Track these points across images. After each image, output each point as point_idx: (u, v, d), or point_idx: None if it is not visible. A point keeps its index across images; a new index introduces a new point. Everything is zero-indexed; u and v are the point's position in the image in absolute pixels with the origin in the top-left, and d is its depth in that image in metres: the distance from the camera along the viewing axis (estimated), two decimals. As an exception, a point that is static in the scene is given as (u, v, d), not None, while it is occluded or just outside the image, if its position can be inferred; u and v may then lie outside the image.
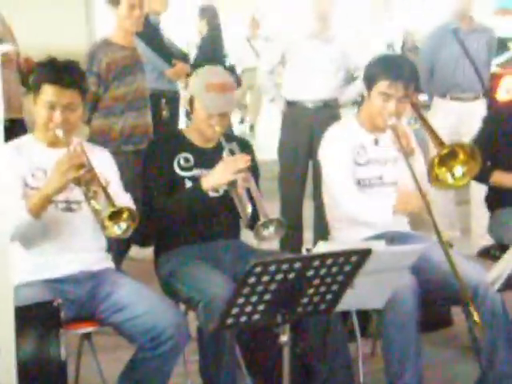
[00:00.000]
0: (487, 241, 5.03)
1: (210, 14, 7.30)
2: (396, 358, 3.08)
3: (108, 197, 2.71)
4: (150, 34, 5.34)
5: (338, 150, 3.40)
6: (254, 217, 3.02)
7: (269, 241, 3.03)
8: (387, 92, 3.29)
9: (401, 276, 2.70)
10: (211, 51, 7.15)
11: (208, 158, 3.28)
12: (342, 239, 3.43)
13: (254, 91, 10.79)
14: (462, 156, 3.09)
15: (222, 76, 3.31)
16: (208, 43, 7.25)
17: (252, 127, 11.29)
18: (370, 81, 3.37)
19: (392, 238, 3.32)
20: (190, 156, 3.29)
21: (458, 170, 3.12)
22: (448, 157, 3.09)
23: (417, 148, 3.39)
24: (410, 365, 3.07)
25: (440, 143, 3.10)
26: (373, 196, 3.39)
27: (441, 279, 3.17)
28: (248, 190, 3.07)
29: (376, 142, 3.45)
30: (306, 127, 4.84)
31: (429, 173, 3.09)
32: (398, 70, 3.30)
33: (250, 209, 3.05)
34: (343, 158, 3.38)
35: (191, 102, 3.29)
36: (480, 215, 5.15)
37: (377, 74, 3.34)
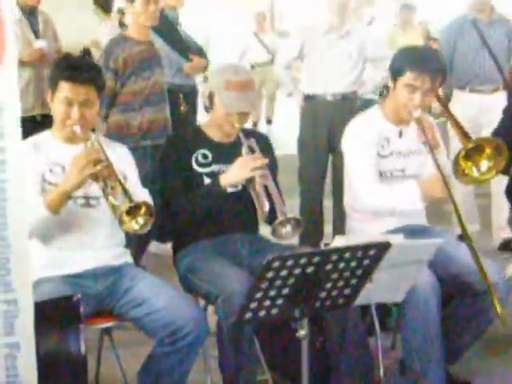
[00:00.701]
0: (508, 233, 5.01)
1: None
2: (417, 357, 3.06)
3: (125, 192, 2.71)
4: (167, 29, 5.33)
5: (361, 142, 3.37)
6: (272, 214, 3.02)
7: (286, 239, 3.03)
8: (413, 84, 3.25)
9: (419, 270, 2.69)
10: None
11: (226, 153, 3.27)
12: (361, 232, 3.42)
13: (268, 86, 10.79)
14: (488, 150, 3.05)
15: (242, 74, 3.26)
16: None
17: (269, 121, 11.29)
18: (395, 72, 3.33)
19: (412, 232, 3.31)
20: (208, 152, 3.28)
21: (484, 164, 3.08)
22: (474, 151, 3.05)
23: (441, 141, 3.36)
24: (434, 365, 3.05)
25: (466, 138, 3.05)
26: (394, 187, 3.37)
27: (457, 272, 3.15)
28: (266, 187, 3.07)
29: (400, 134, 3.41)
30: (325, 121, 4.84)
31: (454, 167, 3.06)
32: (424, 62, 3.27)
33: (267, 206, 3.05)
34: (366, 150, 3.35)
35: (211, 97, 3.27)
36: (500, 208, 5.13)
37: (403, 65, 3.29)
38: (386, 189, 3.34)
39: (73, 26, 6.86)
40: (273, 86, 10.61)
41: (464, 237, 2.98)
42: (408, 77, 3.26)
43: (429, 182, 3.25)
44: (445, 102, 3.46)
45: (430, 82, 3.25)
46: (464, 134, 3.08)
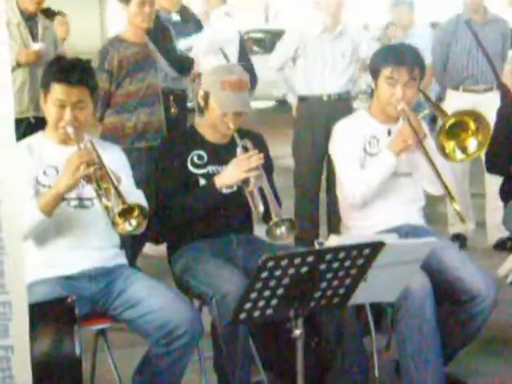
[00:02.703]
0: (502, 233, 5.02)
1: None
2: (413, 362, 3.05)
3: (119, 194, 2.71)
4: (158, 33, 5.33)
5: (347, 142, 3.42)
6: (267, 215, 3.02)
7: (281, 240, 3.03)
8: (391, 77, 3.33)
9: (413, 270, 2.69)
10: None
11: (221, 154, 3.28)
12: (355, 232, 3.42)
13: None
14: (472, 125, 3.14)
15: (237, 74, 3.26)
16: None
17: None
18: (374, 71, 3.43)
19: (407, 233, 3.32)
20: (203, 153, 3.29)
21: (473, 142, 3.15)
22: (458, 129, 3.14)
23: (428, 134, 3.39)
24: (432, 368, 3.04)
25: (445, 113, 3.20)
26: (387, 186, 3.38)
27: (443, 279, 3.17)
28: (261, 188, 3.07)
29: (389, 132, 3.44)
30: (321, 121, 4.83)
31: (439, 147, 3.13)
32: (399, 56, 3.37)
33: (261, 207, 3.05)
34: (352, 149, 3.38)
35: (206, 97, 3.28)
36: (495, 207, 5.13)
37: (380, 62, 3.40)
38: (363, 171, 3.36)
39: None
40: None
41: (450, 198, 3.07)
42: (386, 71, 3.35)
43: (396, 133, 3.31)
44: (426, 93, 3.58)
45: (408, 74, 3.33)
46: (442, 111, 3.24)
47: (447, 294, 3.19)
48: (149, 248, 4.87)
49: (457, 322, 3.19)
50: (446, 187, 3.12)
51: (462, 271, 3.15)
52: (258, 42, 14.19)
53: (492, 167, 4.03)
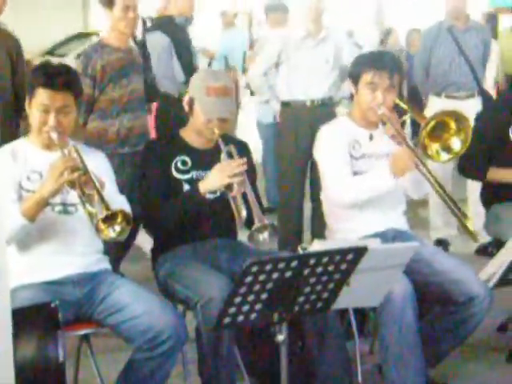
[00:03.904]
0: (484, 238, 5.05)
1: None
2: (395, 368, 3.08)
3: (102, 200, 2.71)
4: (176, 37, 5.39)
5: (333, 144, 3.44)
6: (250, 220, 3.03)
7: (263, 245, 3.04)
8: (373, 81, 3.37)
9: (395, 277, 2.71)
10: None
11: (205, 159, 3.28)
12: (341, 236, 3.44)
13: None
14: (452, 125, 3.18)
15: (223, 80, 3.27)
16: None
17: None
18: (355, 77, 3.45)
19: (393, 237, 3.34)
20: (187, 158, 3.29)
21: (456, 141, 3.19)
22: (440, 131, 3.18)
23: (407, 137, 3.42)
24: (413, 374, 3.06)
25: (423, 117, 3.25)
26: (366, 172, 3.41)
27: (437, 281, 3.19)
28: (244, 194, 3.08)
29: (371, 137, 3.47)
30: (305, 126, 4.84)
31: (422, 147, 3.17)
32: (379, 61, 3.41)
33: (245, 213, 3.06)
34: (339, 150, 3.41)
35: (190, 103, 3.28)
36: (476, 213, 5.16)
37: (360, 68, 3.43)
38: (361, 178, 3.38)
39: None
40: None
41: (461, 216, 3.10)
42: (366, 77, 3.39)
43: (393, 156, 3.29)
44: (403, 98, 3.63)
45: (388, 79, 3.37)
46: (423, 116, 3.29)
47: (441, 297, 3.21)
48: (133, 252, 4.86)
49: (450, 324, 3.21)
50: (453, 206, 3.15)
51: (458, 274, 3.17)
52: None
53: (465, 170, 4.06)
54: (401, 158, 3.23)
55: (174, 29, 5.43)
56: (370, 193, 3.33)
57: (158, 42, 5.27)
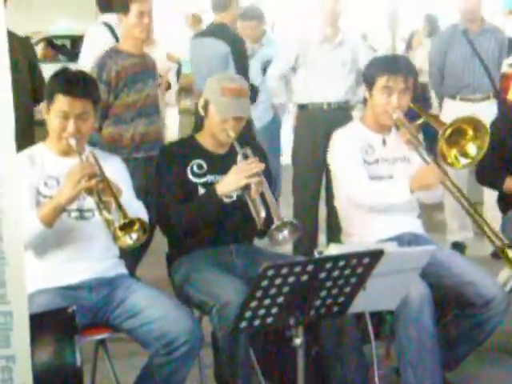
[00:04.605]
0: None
1: None
2: (412, 371, 3.06)
3: (120, 207, 2.71)
4: (241, 57, 5.42)
5: (347, 147, 3.44)
6: (268, 220, 3.02)
7: (283, 244, 3.03)
8: (388, 85, 3.36)
9: (412, 280, 2.70)
10: None
11: (221, 163, 3.29)
12: (357, 240, 3.43)
13: None
14: (470, 132, 3.16)
15: (237, 81, 3.33)
16: None
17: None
18: (370, 81, 3.45)
19: (409, 241, 3.33)
20: (203, 162, 3.30)
21: (472, 147, 3.18)
22: (457, 137, 3.16)
23: (422, 143, 3.41)
24: (430, 377, 3.05)
25: (442, 123, 3.20)
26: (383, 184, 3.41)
27: (453, 284, 3.18)
28: (262, 194, 3.08)
29: (384, 142, 3.47)
30: (321, 129, 4.84)
31: (441, 155, 3.15)
32: (394, 65, 3.41)
33: (264, 213, 3.05)
34: (353, 153, 3.41)
35: (205, 106, 3.30)
36: (493, 216, 5.14)
37: (375, 72, 3.42)
38: (377, 184, 3.38)
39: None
40: None
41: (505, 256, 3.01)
42: (381, 81, 3.38)
43: (421, 172, 3.26)
44: (418, 104, 3.61)
45: (404, 82, 3.36)
46: (440, 122, 3.23)
47: (458, 300, 3.20)
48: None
49: (467, 327, 3.20)
50: (446, 178, 3.14)
51: (475, 276, 3.17)
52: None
53: (482, 179, 4.05)
54: (426, 176, 3.20)
55: (233, 37, 5.42)
56: (386, 202, 3.34)
57: (215, 49, 5.32)
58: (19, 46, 4.62)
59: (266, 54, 5.95)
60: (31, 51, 4.94)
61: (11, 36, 4.87)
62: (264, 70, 5.69)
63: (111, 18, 5.47)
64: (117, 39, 5.02)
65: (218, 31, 5.42)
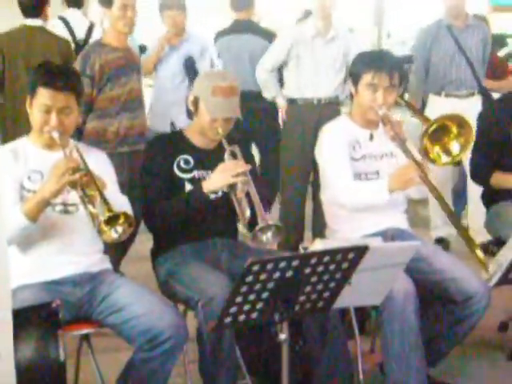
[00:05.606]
0: (484, 236, 5.05)
1: None
2: (396, 365, 3.07)
3: (104, 201, 2.70)
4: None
5: (333, 144, 3.43)
6: (253, 220, 3.02)
7: (266, 246, 3.04)
8: (373, 82, 3.35)
9: (397, 275, 2.71)
10: None
11: (208, 159, 3.27)
12: (341, 235, 3.43)
13: None
14: (454, 129, 3.19)
15: (229, 80, 3.27)
16: None
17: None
18: (355, 77, 3.44)
19: (393, 236, 3.34)
20: (189, 158, 3.28)
21: (455, 145, 3.22)
22: (441, 134, 3.19)
23: (410, 139, 3.41)
24: (414, 372, 3.06)
25: (427, 119, 3.23)
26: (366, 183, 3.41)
27: (437, 280, 3.20)
28: (247, 194, 3.07)
29: (371, 137, 3.47)
30: (310, 124, 4.84)
31: (424, 151, 3.16)
32: (379, 61, 3.40)
33: (248, 213, 3.05)
34: (340, 149, 3.40)
35: (195, 103, 3.27)
36: (476, 212, 5.16)
37: (360, 68, 3.42)
38: (359, 184, 3.38)
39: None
40: None
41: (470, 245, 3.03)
42: (366, 77, 3.37)
43: (399, 171, 3.25)
44: (405, 99, 3.62)
45: (389, 79, 3.36)
46: (425, 118, 3.27)
47: (440, 295, 3.21)
48: (133, 252, 4.85)
49: (449, 323, 3.22)
50: (462, 231, 3.16)
51: (458, 272, 3.18)
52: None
53: (474, 177, 4.06)
54: (405, 174, 3.19)
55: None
56: (366, 203, 3.33)
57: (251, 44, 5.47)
58: (57, 47, 4.69)
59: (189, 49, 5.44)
60: (69, 54, 4.96)
61: (51, 37, 4.96)
62: (186, 65, 5.28)
63: (75, 13, 5.50)
64: (72, 34, 5.04)
65: (251, 27, 5.59)
